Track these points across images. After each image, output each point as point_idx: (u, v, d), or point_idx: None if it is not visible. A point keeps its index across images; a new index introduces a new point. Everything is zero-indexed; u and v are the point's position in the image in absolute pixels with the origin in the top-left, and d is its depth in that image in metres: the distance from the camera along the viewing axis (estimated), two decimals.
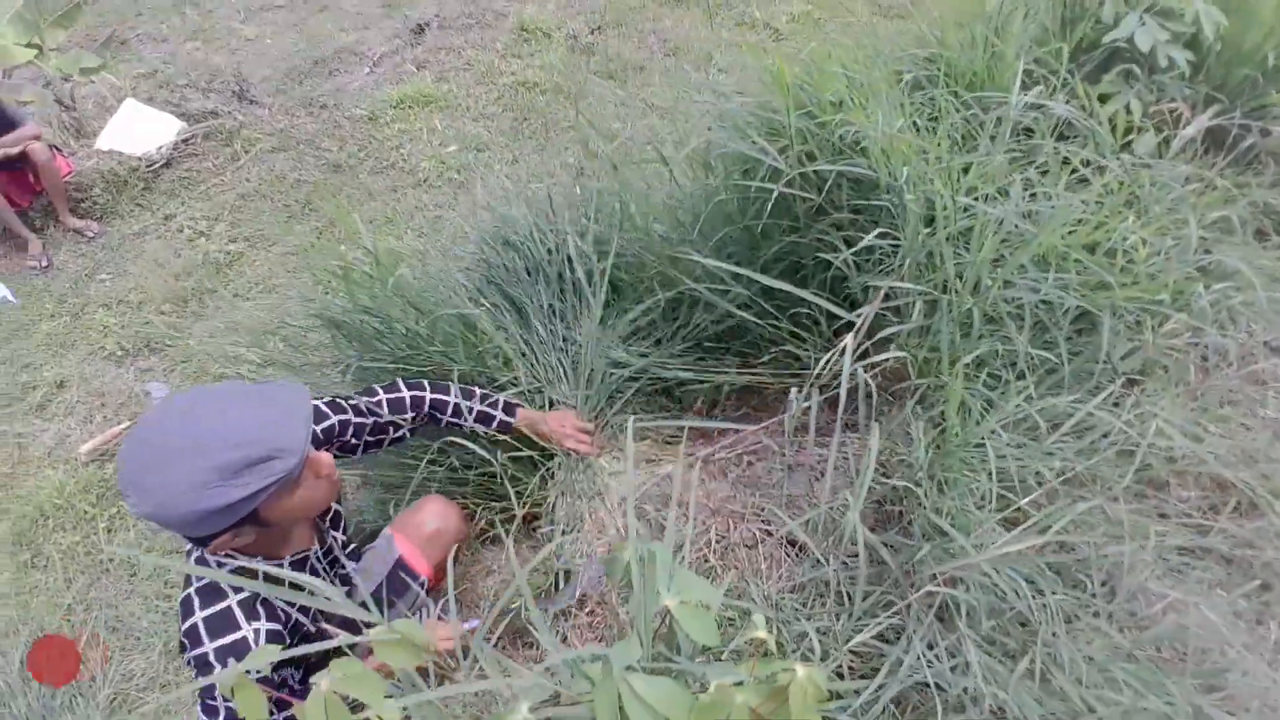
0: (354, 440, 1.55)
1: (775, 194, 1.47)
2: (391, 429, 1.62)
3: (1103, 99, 1.98)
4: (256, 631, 1.24)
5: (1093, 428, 1.46)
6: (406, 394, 1.63)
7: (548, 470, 1.79)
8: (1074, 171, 1.71)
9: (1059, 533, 1.26)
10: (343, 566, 1.55)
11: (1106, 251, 1.55)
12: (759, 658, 0.85)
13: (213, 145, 4.60)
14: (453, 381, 1.76)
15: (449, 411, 1.67)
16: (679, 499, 1.00)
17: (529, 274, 2.02)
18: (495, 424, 1.70)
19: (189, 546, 1.30)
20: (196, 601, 1.24)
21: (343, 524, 1.59)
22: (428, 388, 1.66)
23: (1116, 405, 1.49)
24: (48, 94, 4.84)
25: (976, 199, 1.40)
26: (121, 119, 4.58)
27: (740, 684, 0.81)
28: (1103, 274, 1.47)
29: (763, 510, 1.57)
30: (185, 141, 4.56)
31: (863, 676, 1.21)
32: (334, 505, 1.55)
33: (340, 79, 5.11)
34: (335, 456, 1.48)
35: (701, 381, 1.83)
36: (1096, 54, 2.11)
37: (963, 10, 2.08)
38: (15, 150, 4.08)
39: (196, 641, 1.23)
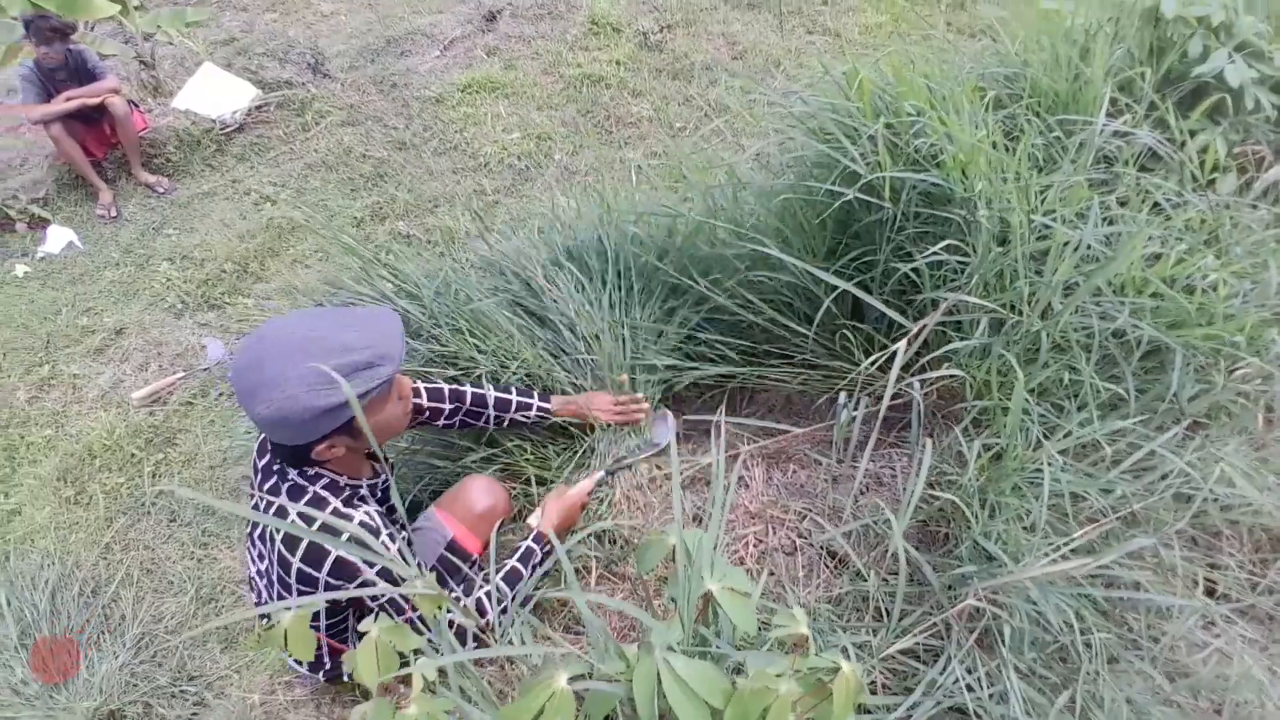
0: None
1: (848, 198, 1.45)
2: (426, 415, 1.74)
3: (1190, 134, 1.93)
4: (367, 514, 1.36)
5: (1153, 467, 1.42)
6: (445, 387, 1.76)
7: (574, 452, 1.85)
8: (1154, 205, 1.67)
9: (1109, 565, 1.23)
10: (392, 506, 1.64)
11: (1184, 288, 1.50)
12: (801, 652, 0.84)
13: (285, 114, 4.71)
14: (488, 383, 1.87)
15: (492, 405, 1.79)
16: (727, 483, 1.00)
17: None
18: (534, 410, 1.82)
19: (271, 482, 1.40)
20: (322, 541, 1.30)
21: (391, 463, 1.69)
22: (468, 385, 1.79)
23: (1180, 447, 1.45)
24: (129, 50, 5.01)
25: (1055, 220, 1.37)
26: (199, 81, 4.71)
27: (780, 675, 0.80)
28: (1179, 309, 1.43)
29: (804, 517, 1.55)
30: (259, 108, 4.68)
31: (897, 694, 1.19)
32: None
33: (411, 59, 5.20)
34: None
35: (742, 383, 1.82)
36: (1184, 86, 2.06)
37: (1045, 30, 2.05)
38: (95, 101, 4.23)
39: (321, 555, 1.32)
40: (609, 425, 1.85)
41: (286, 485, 1.39)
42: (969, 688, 1.16)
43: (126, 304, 3.79)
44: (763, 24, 5.24)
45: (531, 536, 1.59)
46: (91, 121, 4.37)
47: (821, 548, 1.51)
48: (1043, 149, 1.64)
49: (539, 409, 1.82)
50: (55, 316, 3.77)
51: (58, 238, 4.20)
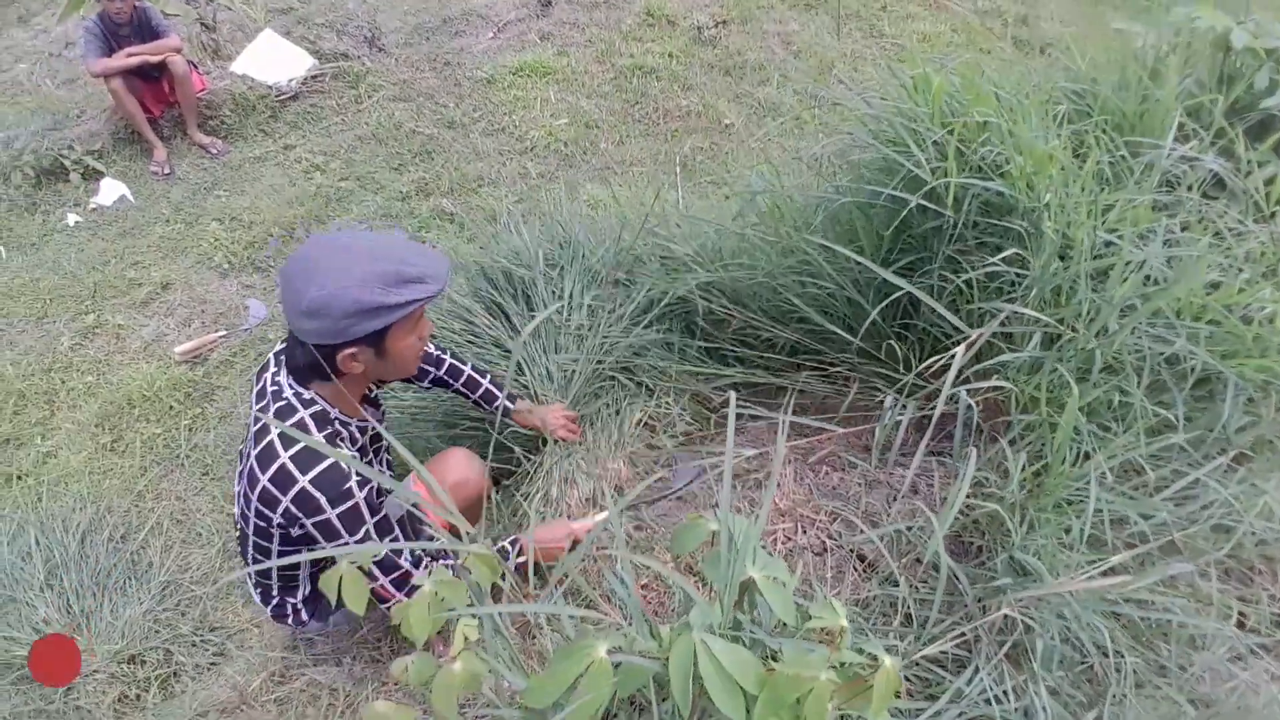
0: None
1: (911, 205, 1.44)
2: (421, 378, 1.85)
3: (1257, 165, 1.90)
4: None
5: (1195, 496, 1.40)
6: (431, 350, 1.86)
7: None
8: (1216, 233, 1.64)
9: (1143, 589, 1.22)
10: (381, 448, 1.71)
11: (1241, 318, 1.48)
12: (838, 643, 0.84)
13: (339, 86, 4.77)
14: (468, 361, 1.94)
15: (462, 380, 1.88)
16: (777, 475, 1.00)
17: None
18: (497, 404, 1.91)
19: (262, 403, 1.45)
20: (292, 468, 1.36)
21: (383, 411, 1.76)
22: (449, 354, 1.88)
23: (1224, 477, 1.43)
24: (191, 11, 5.10)
25: (1119, 238, 1.36)
26: (258, 47, 4.79)
27: (818, 664, 0.81)
28: (1236, 338, 1.40)
29: (835, 519, 1.55)
30: (314, 78, 4.74)
31: (922, 701, 1.19)
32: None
33: (465, 39, 5.24)
34: None
35: (781, 384, 1.83)
36: (1251, 117, 2.03)
37: (1114, 50, 2.02)
38: (156, 59, 4.30)
39: (289, 481, 1.35)
40: (559, 441, 1.91)
41: (278, 405, 1.42)
42: (996, 699, 1.16)
43: (174, 260, 3.87)
44: (819, 25, 5.21)
45: (510, 540, 1.60)
46: (151, 79, 4.45)
47: (851, 550, 1.51)
48: (1109, 167, 1.62)
49: (501, 409, 1.91)
50: (103, 267, 3.86)
51: (110, 190, 4.30)
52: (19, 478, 2.90)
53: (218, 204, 4.17)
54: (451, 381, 1.89)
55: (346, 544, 1.38)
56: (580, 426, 1.96)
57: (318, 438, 1.39)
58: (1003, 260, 1.42)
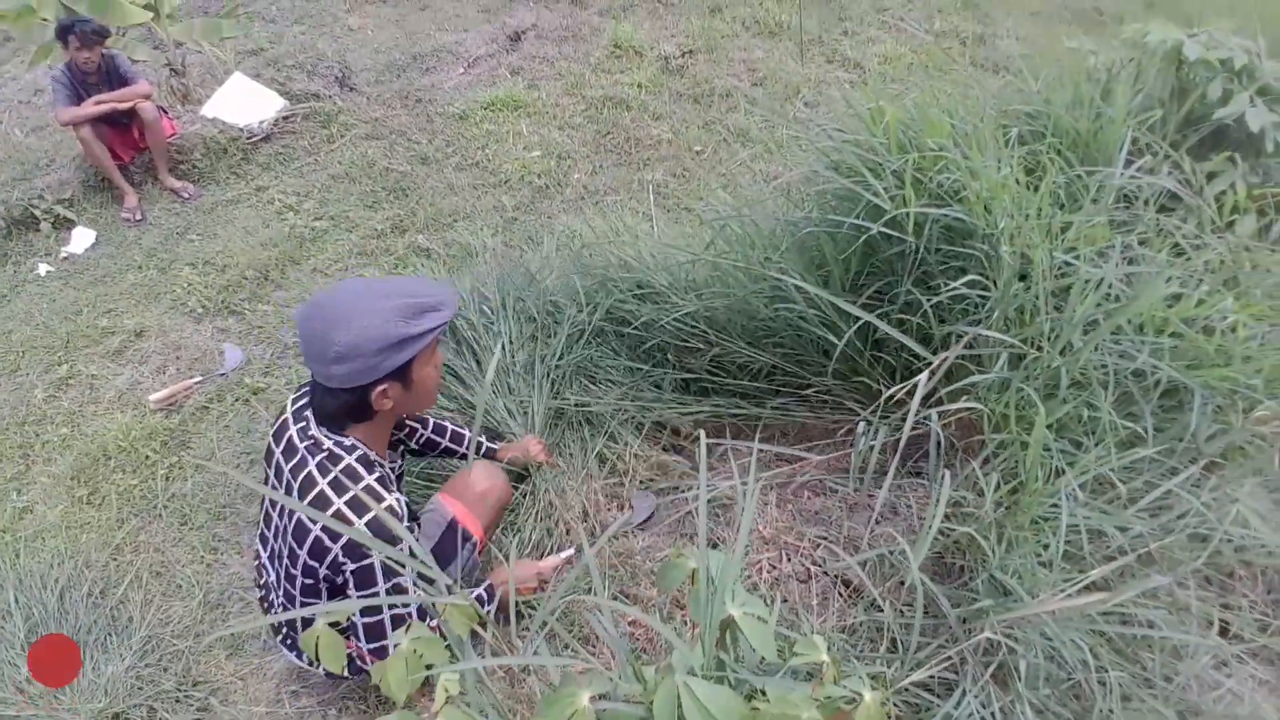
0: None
1: (872, 232, 1.47)
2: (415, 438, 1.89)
3: (1208, 177, 1.95)
4: (397, 499, 1.41)
5: (1169, 506, 1.42)
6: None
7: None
8: (1174, 245, 1.68)
9: (1124, 603, 1.24)
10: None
11: (1203, 329, 1.51)
12: (821, 680, 0.85)
13: (310, 125, 4.78)
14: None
15: (447, 436, 1.91)
16: (752, 509, 1.01)
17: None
18: (483, 450, 1.98)
19: (297, 458, 1.44)
20: (349, 512, 1.37)
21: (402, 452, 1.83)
22: (430, 417, 1.93)
23: (1196, 487, 1.45)
24: (159, 56, 5.11)
25: (1076, 258, 1.39)
26: (229, 90, 4.79)
27: (801, 701, 0.81)
28: (1199, 350, 1.44)
29: (818, 545, 1.56)
30: (286, 119, 4.75)
31: None
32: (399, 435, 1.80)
33: (436, 76, 5.27)
34: None
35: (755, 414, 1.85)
36: (1204, 128, 2.08)
37: (1068, 68, 2.07)
38: (125, 106, 4.30)
39: (365, 550, 1.37)
40: (539, 467, 1.98)
41: (320, 456, 1.42)
42: None
43: (147, 307, 3.83)
44: (783, 51, 5.30)
45: (485, 587, 1.62)
46: (120, 125, 4.44)
47: (836, 576, 1.52)
48: (1064, 187, 1.65)
49: (487, 449, 1.97)
50: (76, 316, 3.81)
51: (81, 239, 4.26)
52: None
53: (190, 248, 4.15)
54: (439, 439, 1.92)
55: (378, 591, 1.39)
56: (549, 450, 2.03)
57: (370, 480, 1.41)
58: (965, 284, 1.44)
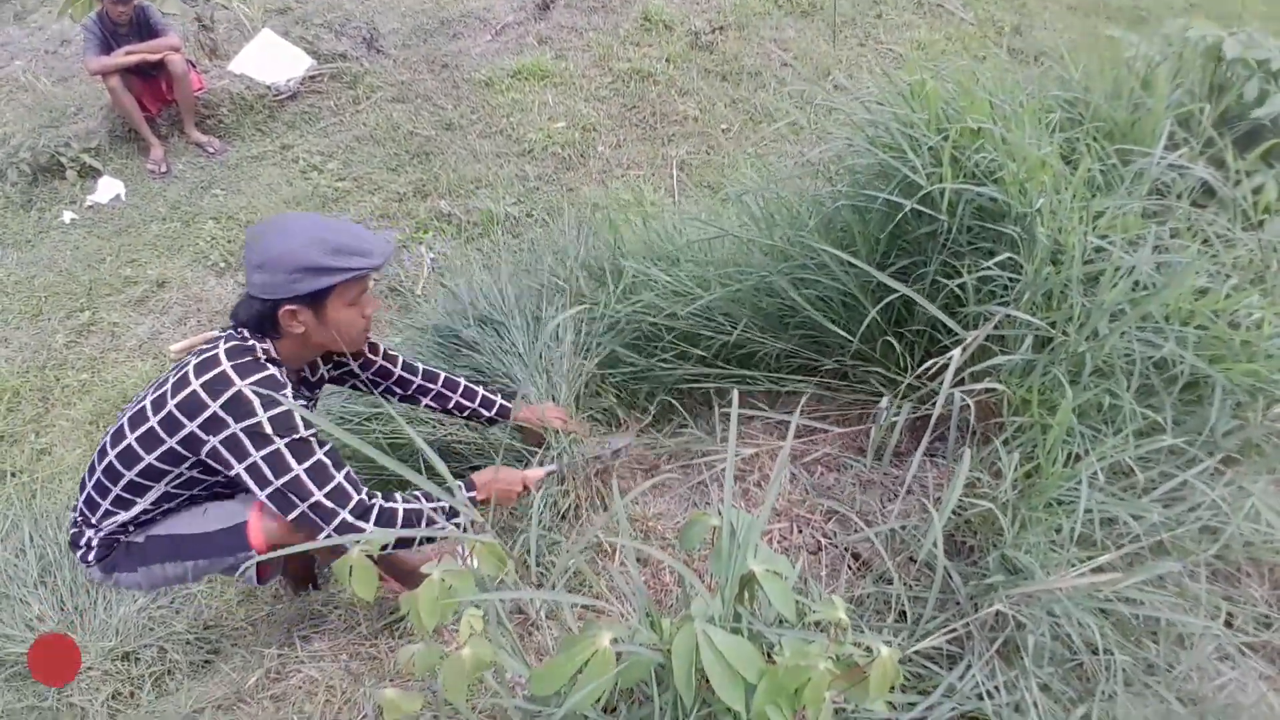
0: (371, 379, 1.89)
1: (907, 209, 1.47)
2: (395, 379, 1.92)
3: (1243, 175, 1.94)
4: (286, 398, 1.46)
5: (1184, 498, 1.43)
6: (421, 366, 1.94)
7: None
8: (1205, 240, 1.67)
9: (1133, 587, 1.25)
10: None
11: (1229, 323, 1.51)
12: (837, 636, 0.87)
13: (337, 86, 4.78)
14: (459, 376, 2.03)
15: (459, 391, 1.95)
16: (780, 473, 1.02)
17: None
18: (496, 408, 1.98)
19: (225, 343, 1.50)
20: (234, 374, 1.43)
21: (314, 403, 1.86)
22: (443, 371, 1.98)
23: (1211, 480, 1.46)
24: (189, 10, 5.11)
25: (1110, 244, 1.38)
26: (257, 47, 4.79)
27: (817, 655, 0.83)
28: (1223, 343, 1.43)
29: (830, 518, 1.57)
30: (313, 78, 4.75)
31: (914, 696, 1.21)
32: (325, 373, 1.83)
33: (463, 42, 5.25)
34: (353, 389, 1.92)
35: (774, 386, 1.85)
36: (1240, 126, 2.06)
37: (1107, 58, 2.06)
38: (155, 58, 4.31)
39: (224, 386, 1.41)
40: (558, 432, 1.96)
41: (232, 342, 1.49)
42: (987, 694, 1.18)
43: (170, 258, 3.86)
44: (815, 32, 5.25)
45: (465, 482, 1.64)
46: (149, 77, 4.45)
47: (846, 549, 1.53)
48: (1100, 174, 1.65)
49: (500, 408, 1.98)
50: (99, 265, 3.85)
51: (107, 188, 4.29)
52: (13, 474, 2.90)
53: (214, 203, 4.17)
54: (450, 394, 1.94)
55: (269, 452, 1.42)
56: (576, 421, 2.03)
57: (270, 369, 1.48)
58: (996, 264, 1.44)
